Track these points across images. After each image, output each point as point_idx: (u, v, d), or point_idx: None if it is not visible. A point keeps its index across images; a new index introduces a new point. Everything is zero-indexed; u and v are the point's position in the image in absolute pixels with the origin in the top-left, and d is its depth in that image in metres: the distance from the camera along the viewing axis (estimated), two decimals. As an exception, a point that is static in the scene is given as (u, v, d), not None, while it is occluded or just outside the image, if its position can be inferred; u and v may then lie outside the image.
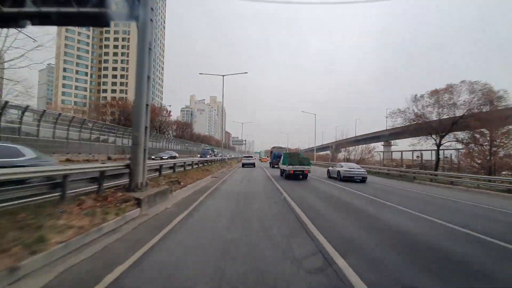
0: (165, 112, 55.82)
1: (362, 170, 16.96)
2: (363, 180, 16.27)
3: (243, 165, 31.77)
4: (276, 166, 28.50)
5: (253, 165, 31.82)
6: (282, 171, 18.34)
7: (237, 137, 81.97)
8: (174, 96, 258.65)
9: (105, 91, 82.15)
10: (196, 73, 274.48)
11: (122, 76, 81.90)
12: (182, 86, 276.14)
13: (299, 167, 16.27)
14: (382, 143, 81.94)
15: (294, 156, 17.44)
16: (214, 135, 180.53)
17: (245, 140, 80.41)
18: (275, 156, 30.54)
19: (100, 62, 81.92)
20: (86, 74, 78.23)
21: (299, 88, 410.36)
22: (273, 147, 38.43)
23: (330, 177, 18.78)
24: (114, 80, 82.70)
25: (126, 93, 79.57)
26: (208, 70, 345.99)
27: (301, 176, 16.71)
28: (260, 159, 62.24)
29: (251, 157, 36.41)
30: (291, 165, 16.23)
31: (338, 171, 17.09)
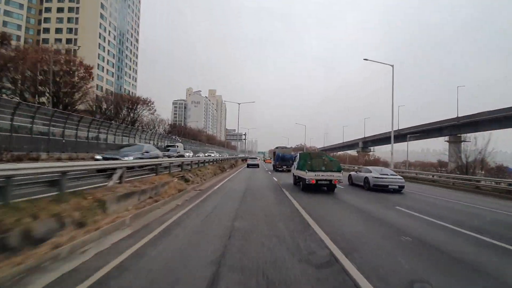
0: (79, 68, 29.73)
1: (398, 176, 13.66)
2: (399, 189, 13.02)
3: (248, 165, 32.42)
4: (280, 169, 25.82)
5: (257, 165, 32.36)
6: (297, 179, 13.31)
7: (234, 130, 57.55)
8: (170, 91, 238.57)
9: (47, 30, 58.41)
10: (195, 67, 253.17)
11: (70, 10, 57.93)
12: (181, 83, 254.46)
13: (324, 175, 10.96)
14: (447, 138, 56.92)
15: (317, 158, 11.62)
16: (213, 132, 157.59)
17: (244, 134, 56.01)
18: (279, 158, 26.70)
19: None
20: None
21: (302, 87, 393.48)
22: (277, 147, 33.62)
23: (352, 184, 15.09)
24: (60, 14, 58.65)
25: (75, 42, 55.70)
26: (205, 65, 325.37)
27: (325, 188, 11.71)
28: (264, 160, 58.24)
29: (256, 158, 38.08)
30: (312, 171, 10.94)
31: (366, 178, 13.44)
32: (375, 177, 13.00)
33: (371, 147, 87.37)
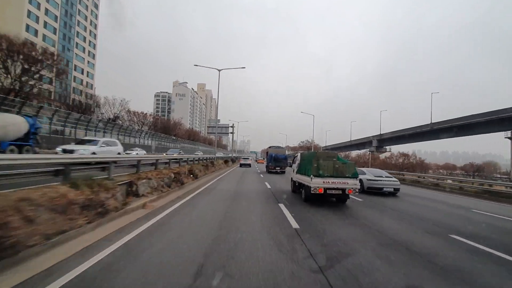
0: None
1: (393, 178, 13.28)
2: (394, 192, 12.58)
3: (241, 165, 34.14)
4: (273, 170, 24.87)
5: (249, 165, 34.32)
6: (297, 185, 10.60)
7: (219, 121, 41.49)
8: (162, 86, 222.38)
9: None
10: (187, 64, 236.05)
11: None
12: (171, 80, 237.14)
13: (336, 182, 8.27)
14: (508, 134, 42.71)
15: (325, 160, 8.75)
16: (201, 129, 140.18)
17: (232, 126, 40.14)
18: (272, 159, 25.33)
19: None
20: None
21: (299, 86, 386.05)
22: (270, 147, 30.53)
23: None
24: None
25: None
26: (203, 62, 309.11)
27: (334, 199, 9.17)
28: (256, 160, 56.23)
29: (248, 158, 38.87)
30: (319, 177, 8.21)
31: (360, 180, 10.91)
32: (369, 180, 12.47)
33: (387, 146, 72.83)
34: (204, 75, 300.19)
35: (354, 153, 61.95)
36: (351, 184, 8.28)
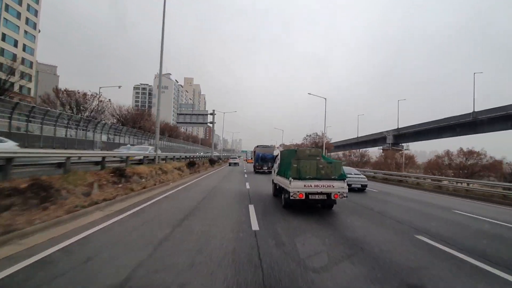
0: None
1: (362, 175, 14.53)
2: (362, 188, 13.81)
3: (230, 164, 36.37)
4: (260, 170, 24.46)
5: (237, 164, 36.99)
6: (277, 189, 9.43)
7: (191, 104, 34.17)
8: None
9: None
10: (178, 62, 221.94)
11: None
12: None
13: (319, 185, 7.08)
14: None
15: (307, 160, 7.52)
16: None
17: (212, 114, 27.71)
18: (259, 158, 24.98)
19: None
20: None
21: (299, 86, 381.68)
22: (257, 146, 28.56)
23: None
24: None
25: None
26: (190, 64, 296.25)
27: (319, 205, 7.95)
28: (246, 160, 58.73)
29: (236, 158, 42.45)
30: (300, 180, 7.10)
31: None
32: None
33: (404, 143, 61.65)
34: (192, 69, 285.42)
35: (372, 151, 50.15)
36: (338, 187, 7.11)
